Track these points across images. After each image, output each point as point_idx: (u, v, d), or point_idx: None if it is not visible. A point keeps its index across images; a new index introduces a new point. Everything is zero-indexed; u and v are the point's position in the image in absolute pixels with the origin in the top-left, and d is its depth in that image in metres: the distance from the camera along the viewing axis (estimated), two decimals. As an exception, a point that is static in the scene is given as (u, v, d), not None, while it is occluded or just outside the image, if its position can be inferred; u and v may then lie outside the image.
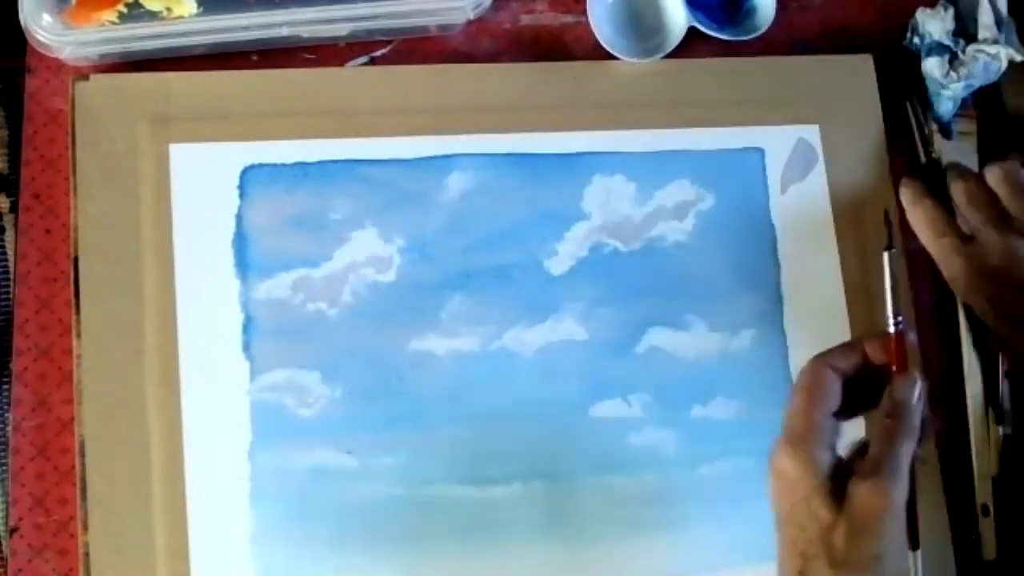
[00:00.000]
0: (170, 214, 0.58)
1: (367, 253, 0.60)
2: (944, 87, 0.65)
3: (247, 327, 0.58)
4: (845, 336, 0.63)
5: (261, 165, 0.60)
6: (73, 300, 0.57)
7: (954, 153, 0.67)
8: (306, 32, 0.62)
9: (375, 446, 0.58)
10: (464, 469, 0.58)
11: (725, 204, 0.64)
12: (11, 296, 0.59)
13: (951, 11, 0.65)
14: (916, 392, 0.48)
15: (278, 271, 0.59)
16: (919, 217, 0.63)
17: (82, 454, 0.55)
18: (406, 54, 0.65)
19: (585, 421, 0.60)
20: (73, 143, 0.58)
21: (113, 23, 0.59)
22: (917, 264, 0.66)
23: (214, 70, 0.61)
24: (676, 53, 0.65)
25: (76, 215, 0.58)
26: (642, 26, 0.67)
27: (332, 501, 0.57)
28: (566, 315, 0.61)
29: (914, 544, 0.48)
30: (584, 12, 0.65)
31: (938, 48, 0.65)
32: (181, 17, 0.59)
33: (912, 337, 0.51)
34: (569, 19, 0.67)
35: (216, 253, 0.58)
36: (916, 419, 0.48)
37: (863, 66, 0.68)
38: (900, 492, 0.46)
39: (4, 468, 0.58)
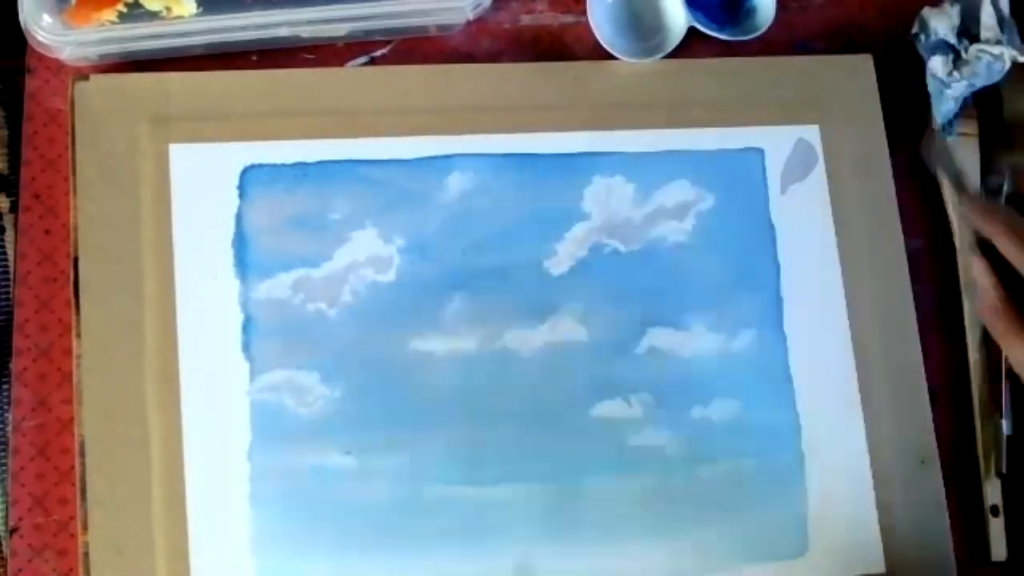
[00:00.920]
0: (170, 214, 0.58)
1: (367, 253, 0.60)
2: (947, 86, 0.65)
3: (247, 327, 0.58)
4: (845, 336, 0.63)
5: (261, 165, 0.60)
6: (73, 300, 0.57)
7: (954, 153, 0.67)
8: (305, 32, 0.62)
9: (375, 446, 0.58)
10: (464, 469, 0.58)
11: (725, 204, 0.64)
12: (11, 296, 0.59)
13: (957, 8, 0.65)
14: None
15: (278, 271, 0.59)
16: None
17: (82, 454, 0.55)
18: (406, 54, 0.65)
19: (585, 421, 0.60)
20: (73, 143, 0.59)
21: (113, 23, 0.59)
22: (918, 263, 0.66)
23: (214, 70, 0.61)
24: (676, 53, 0.65)
25: (76, 215, 0.58)
26: (642, 26, 0.67)
27: (332, 501, 0.57)
28: (566, 315, 0.61)
29: None
30: (584, 12, 0.65)
31: (943, 47, 0.65)
32: (181, 17, 0.59)
33: None
34: (569, 19, 0.67)
35: (216, 253, 0.58)
36: None
37: (863, 66, 0.68)
38: None
39: (4, 468, 0.58)
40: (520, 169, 0.63)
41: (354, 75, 0.63)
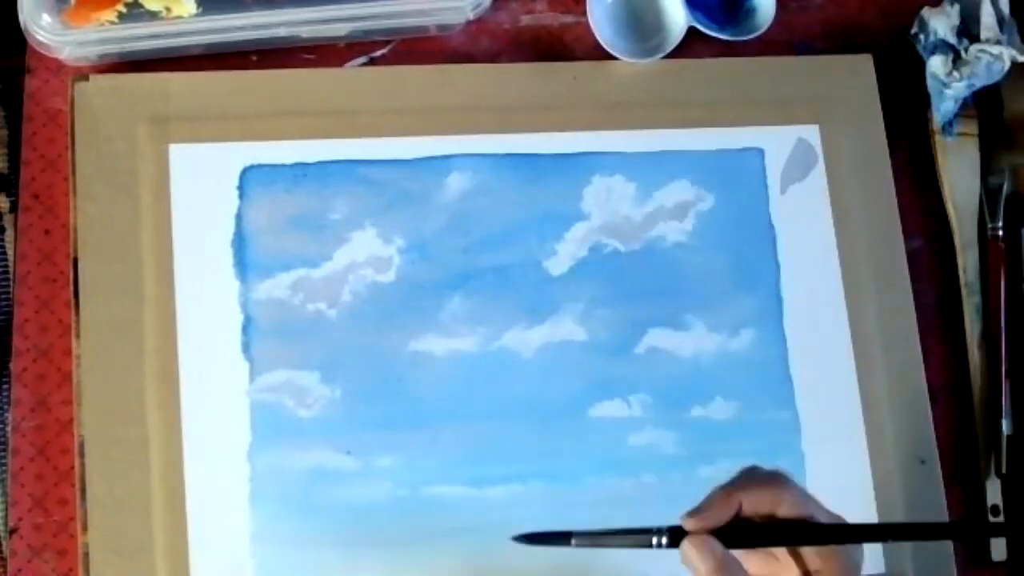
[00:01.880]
0: (170, 214, 0.58)
1: (367, 253, 0.60)
2: (947, 86, 0.65)
3: (247, 327, 0.58)
4: (845, 336, 0.63)
5: (260, 165, 0.60)
6: (72, 300, 0.57)
7: (954, 153, 0.67)
8: (305, 32, 0.62)
9: (375, 446, 0.57)
10: (464, 469, 0.58)
11: (725, 204, 0.64)
12: (11, 296, 0.59)
13: (956, 7, 0.65)
14: None
15: (278, 271, 0.59)
16: None
17: (82, 454, 0.55)
18: (405, 54, 0.65)
19: (585, 421, 0.60)
20: (73, 143, 0.59)
21: (112, 23, 0.59)
22: (918, 263, 0.66)
23: (213, 70, 0.61)
24: (676, 53, 0.65)
25: (76, 215, 0.58)
26: (642, 26, 0.67)
27: (332, 501, 0.57)
28: (565, 315, 0.61)
29: None
30: (584, 12, 0.65)
31: (943, 47, 0.65)
32: (180, 17, 0.59)
33: None
34: (569, 19, 0.67)
35: (216, 253, 0.58)
36: None
37: (863, 66, 0.68)
38: None
39: (4, 468, 0.58)
40: (520, 169, 0.62)
41: (354, 75, 0.63)
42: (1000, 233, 0.66)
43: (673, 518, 0.45)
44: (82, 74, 0.60)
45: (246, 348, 0.58)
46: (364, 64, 0.64)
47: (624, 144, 0.64)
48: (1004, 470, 0.63)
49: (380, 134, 0.61)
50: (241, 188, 0.60)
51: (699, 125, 0.65)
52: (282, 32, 0.60)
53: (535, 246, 0.62)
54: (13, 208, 0.61)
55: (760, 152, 0.65)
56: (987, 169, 0.67)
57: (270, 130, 0.60)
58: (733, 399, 0.61)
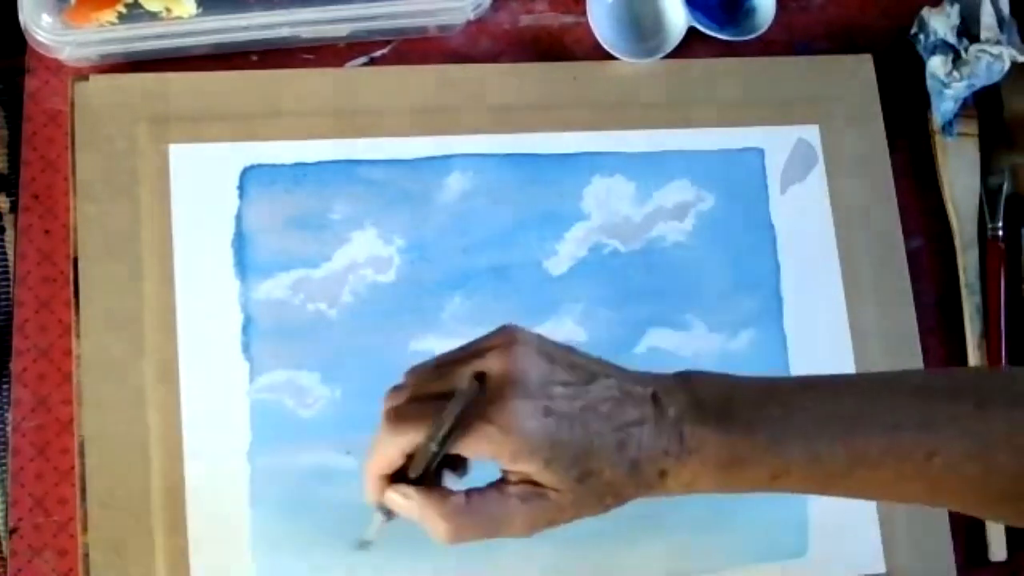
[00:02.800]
0: (169, 214, 0.58)
1: (367, 253, 0.60)
2: (947, 86, 0.65)
3: (247, 327, 0.58)
4: (845, 336, 0.63)
5: (260, 165, 0.60)
6: (72, 300, 0.57)
7: (954, 153, 0.67)
8: (306, 32, 0.62)
9: (375, 446, 0.57)
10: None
11: (725, 204, 0.64)
12: (11, 296, 0.59)
13: (956, 7, 0.65)
14: None
15: (277, 271, 0.59)
16: None
17: (82, 454, 0.55)
18: (406, 54, 0.65)
19: (585, 421, 0.60)
20: (72, 143, 0.58)
21: (112, 23, 0.59)
22: (918, 263, 0.66)
23: (214, 70, 0.61)
24: (676, 53, 0.65)
25: (75, 215, 0.58)
26: (642, 26, 0.67)
27: (332, 502, 0.57)
28: (565, 315, 0.61)
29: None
30: (584, 12, 0.65)
31: (943, 47, 0.65)
32: (181, 17, 0.59)
33: None
34: (569, 19, 0.67)
35: (215, 253, 0.58)
36: None
37: (863, 66, 0.68)
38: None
39: (4, 468, 0.57)
40: (520, 169, 0.62)
41: (354, 75, 0.63)
42: (1000, 233, 0.66)
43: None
44: (82, 74, 0.60)
45: (246, 348, 0.58)
46: (364, 64, 0.64)
47: (624, 144, 0.64)
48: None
49: (380, 134, 0.61)
50: (241, 188, 0.60)
51: (699, 125, 0.65)
52: (283, 32, 0.60)
53: (535, 246, 0.62)
54: (13, 208, 0.61)
55: (760, 152, 0.65)
56: (987, 169, 0.67)
57: (270, 130, 0.60)
58: (733, 399, 0.61)
